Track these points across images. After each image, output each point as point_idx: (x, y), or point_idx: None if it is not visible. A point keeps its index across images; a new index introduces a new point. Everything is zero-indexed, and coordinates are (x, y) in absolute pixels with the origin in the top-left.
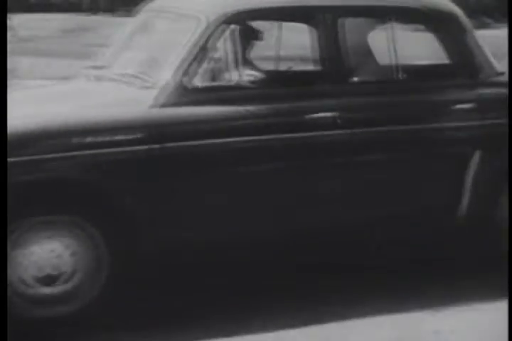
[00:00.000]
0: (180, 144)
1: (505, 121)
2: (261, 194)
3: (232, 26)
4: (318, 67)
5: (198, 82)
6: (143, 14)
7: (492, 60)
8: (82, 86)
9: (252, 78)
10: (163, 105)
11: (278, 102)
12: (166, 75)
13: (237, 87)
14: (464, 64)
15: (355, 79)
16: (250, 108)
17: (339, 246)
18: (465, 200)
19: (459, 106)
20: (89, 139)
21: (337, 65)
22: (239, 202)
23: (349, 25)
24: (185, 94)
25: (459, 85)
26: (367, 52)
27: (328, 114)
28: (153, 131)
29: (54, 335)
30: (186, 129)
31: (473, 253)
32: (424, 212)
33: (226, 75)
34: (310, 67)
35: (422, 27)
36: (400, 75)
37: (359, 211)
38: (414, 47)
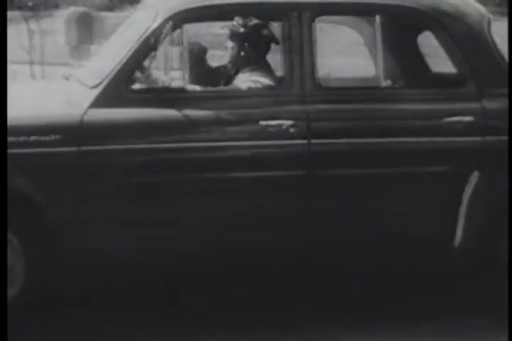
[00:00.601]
0: (110, 148)
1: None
2: (197, 207)
3: (189, 23)
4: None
5: (143, 82)
6: (135, 11)
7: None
8: (46, 85)
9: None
10: (103, 106)
11: (227, 106)
12: (111, 74)
13: (184, 90)
14: (468, 71)
15: (328, 84)
16: (195, 112)
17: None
18: (460, 228)
19: (454, 118)
20: (11, 138)
21: (307, 68)
22: (172, 214)
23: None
24: (127, 96)
25: (458, 95)
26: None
27: (286, 122)
28: (83, 132)
29: None
30: (120, 132)
31: (470, 291)
32: (409, 242)
33: (173, 77)
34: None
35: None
36: (383, 81)
37: (315, 236)
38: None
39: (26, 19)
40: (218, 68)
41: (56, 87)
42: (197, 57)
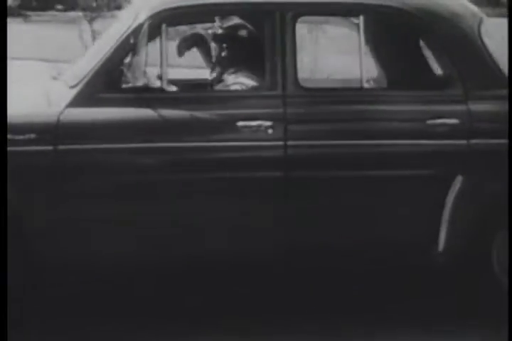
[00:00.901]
0: (86, 147)
1: (497, 141)
2: (175, 207)
3: (167, 24)
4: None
5: (120, 82)
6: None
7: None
8: (33, 85)
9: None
10: (80, 105)
11: (205, 107)
12: (89, 74)
13: (162, 90)
14: (455, 73)
15: (310, 85)
16: (171, 112)
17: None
18: (444, 233)
19: (438, 121)
20: None
21: (289, 68)
22: (143, 212)
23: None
24: (104, 95)
25: (444, 97)
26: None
27: (264, 123)
28: (60, 131)
29: None
30: (96, 131)
31: (452, 300)
32: (389, 248)
33: (151, 77)
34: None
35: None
36: (366, 83)
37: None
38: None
39: (90, 20)
40: None
41: (41, 87)
42: (203, 46)
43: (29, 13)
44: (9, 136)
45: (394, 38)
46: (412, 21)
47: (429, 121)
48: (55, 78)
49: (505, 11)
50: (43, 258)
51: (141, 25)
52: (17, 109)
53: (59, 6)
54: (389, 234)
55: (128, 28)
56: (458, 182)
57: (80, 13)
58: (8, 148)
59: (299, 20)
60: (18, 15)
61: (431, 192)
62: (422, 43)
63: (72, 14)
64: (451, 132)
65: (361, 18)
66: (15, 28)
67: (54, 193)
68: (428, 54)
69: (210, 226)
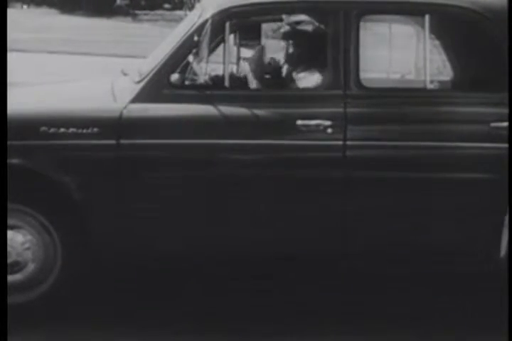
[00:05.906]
0: (148, 142)
1: None
2: (227, 204)
3: (233, 22)
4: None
5: (184, 79)
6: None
7: None
8: (102, 80)
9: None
10: (143, 101)
11: (265, 105)
12: (153, 70)
13: (223, 87)
14: None
15: (372, 85)
16: (232, 109)
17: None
18: (505, 239)
19: (503, 124)
20: (52, 130)
21: (352, 67)
22: (200, 208)
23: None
24: (167, 91)
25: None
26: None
27: (324, 122)
28: (122, 126)
29: None
30: (157, 127)
31: None
32: (448, 254)
33: (215, 74)
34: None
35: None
36: (430, 83)
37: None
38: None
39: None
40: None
41: (110, 82)
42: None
43: (137, 12)
44: (73, 130)
45: (460, 37)
46: (478, 20)
47: (494, 124)
48: (124, 74)
49: None
50: (105, 250)
51: (205, 23)
52: (83, 103)
53: (166, 5)
54: (447, 237)
55: (192, 26)
56: None
57: (187, 12)
58: (72, 142)
59: (363, 18)
60: (127, 14)
61: (492, 196)
62: (487, 43)
63: (179, 13)
64: None
65: (427, 17)
66: (124, 26)
67: (115, 187)
68: (494, 53)
69: (264, 225)
